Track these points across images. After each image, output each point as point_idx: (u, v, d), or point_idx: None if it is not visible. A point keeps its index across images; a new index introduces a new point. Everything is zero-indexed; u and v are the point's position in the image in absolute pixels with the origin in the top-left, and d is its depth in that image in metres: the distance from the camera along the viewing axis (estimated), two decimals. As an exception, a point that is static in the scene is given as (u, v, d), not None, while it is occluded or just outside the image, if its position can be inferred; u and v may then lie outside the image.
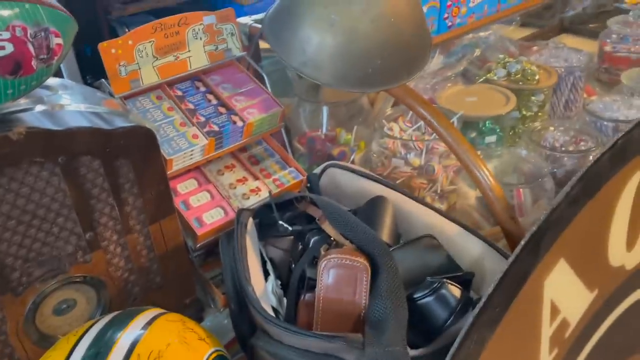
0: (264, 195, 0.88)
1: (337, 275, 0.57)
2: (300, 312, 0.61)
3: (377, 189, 0.73)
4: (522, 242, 0.42)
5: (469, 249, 0.64)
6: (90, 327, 0.55)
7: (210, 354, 0.55)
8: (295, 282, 0.62)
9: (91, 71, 1.67)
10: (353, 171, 0.78)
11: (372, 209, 0.68)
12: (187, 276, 0.81)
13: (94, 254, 0.68)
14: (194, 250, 0.84)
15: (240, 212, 0.70)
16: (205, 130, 0.83)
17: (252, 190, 0.87)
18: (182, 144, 0.80)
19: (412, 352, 0.55)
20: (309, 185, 0.81)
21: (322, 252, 0.61)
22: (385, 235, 0.65)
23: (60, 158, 0.61)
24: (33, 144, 0.59)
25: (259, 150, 0.95)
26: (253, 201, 0.86)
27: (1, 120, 0.59)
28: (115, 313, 0.59)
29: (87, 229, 0.67)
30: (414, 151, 0.88)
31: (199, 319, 0.84)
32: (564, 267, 0.48)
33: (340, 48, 0.69)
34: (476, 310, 0.51)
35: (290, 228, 0.67)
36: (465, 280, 0.58)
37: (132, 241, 0.72)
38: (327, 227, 0.63)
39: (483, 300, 0.51)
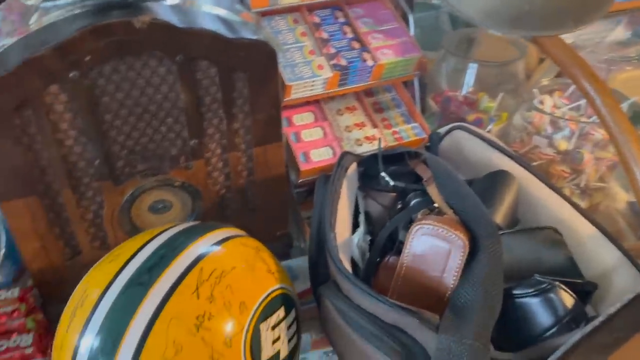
0: (376, 145, 0.81)
1: (429, 245, 0.50)
2: (379, 273, 0.55)
3: (506, 164, 0.63)
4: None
5: (600, 256, 0.52)
6: (168, 228, 0.54)
7: (275, 290, 0.51)
8: (382, 240, 0.56)
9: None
10: (483, 139, 0.68)
11: (491, 183, 0.59)
12: (283, 209, 0.78)
13: (196, 162, 0.68)
14: (296, 186, 0.82)
15: (344, 154, 0.64)
16: (332, 62, 0.77)
17: (367, 138, 0.81)
18: (305, 73, 0.76)
19: (497, 355, 0.47)
20: (428, 144, 0.72)
21: (419, 216, 0.53)
22: (499, 215, 0.56)
23: (178, 56, 0.60)
24: (155, 36, 0.58)
25: (386, 98, 0.88)
26: (365, 149, 0.80)
27: (131, 5, 0.58)
28: (196, 222, 0.58)
29: (193, 136, 0.66)
30: (562, 132, 0.75)
31: (285, 254, 0.82)
32: None
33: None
34: (588, 328, 0.41)
35: (392, 183, 0.61)
36: (584, 291, 0.48)
37: (234, 159, 0.70)
38: (433, 191, 0.56)
39: (601, 319, 0.41)
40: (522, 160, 0.63)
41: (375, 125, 0.83)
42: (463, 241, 0.48)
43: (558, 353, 0.41)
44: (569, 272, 0.49)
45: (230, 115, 0.67)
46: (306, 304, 0.66)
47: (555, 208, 0.57)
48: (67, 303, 0.49)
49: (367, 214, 0.67)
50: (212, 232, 0.53)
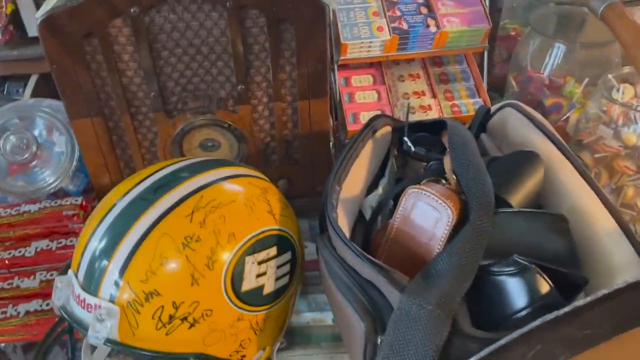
0: (432, 115, 0.79)
1: (420, 210, 0.49)
2: (376, 234, 0.55)
3: (542, 146, 0.58)
4: None
5: (613, 252, 0.47)
6: (188, 159, 0.58)
7: (271, 230, 0.54)
8: (384, 202, 0.56)
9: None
10: (531, 118, 0.63)
11: (515, 162, 0.55)
12: (326, 164, 0.80)
13: (242, 107, 0.72)
14: (343, 145, 0.83)
15: (376, 117, 0.64)
16: (393, 25, 0.76)
17: (422, 107, 0.80)
18: (364, 33, 0.76)
19: (472, 331, 0.45)
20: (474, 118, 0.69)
21: (422, 183, 0.52)
22: (516, 196, 0.53)
23: (228, 3, 0.64)
24: (207, -19, 0.62)
25: (455, 70, 0.85)
26: (417, 117, 0.79)
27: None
28: (217, 158, 0.62)
29: (240, 81, 0.70)
30: (635, 125, 0.67)
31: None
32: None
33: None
34: (551, 316, 0.39)
35: (413, 149, 0.60)
36: (574, 284, 0.44)
37: (279, 110, 0.73)
38: (446, 160, 0.54)
39: (566, 309, 0.38)
40: (562, 145, 0.58)
41: (434, 96, 0.81)
42: (451, 210, 0.47)
43: (515, 334, 0.39)
44: (566, 262, 0.46)
45: (277, 66, 0.69)
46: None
47: (579, 197, 0.52)
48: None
49: (399, 181, 0.67)
50: (224, 168, 0.57)
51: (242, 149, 0.76)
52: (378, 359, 0.45)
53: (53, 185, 0.78)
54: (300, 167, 0.79)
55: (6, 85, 1.61)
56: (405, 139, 0.61)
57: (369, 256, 0.47)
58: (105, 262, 0.49)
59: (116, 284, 0.48)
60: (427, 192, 0.48)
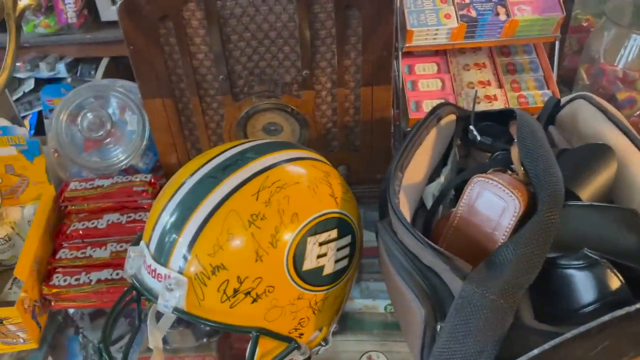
0: (497, 105, 0.78)
1: (485, 199, 0.49)
2: (438, 222, 0.55)
3: (616, 140, 0.56)
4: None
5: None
6: (254, 141, 0.60)
7: (332, 212, 0.55)
8: (447, 191, 0.55)
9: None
10: (604, 111, 0.61)
11: (587, 155, 0.54)
12: (386, 152, 0.80)
13: (306, 92, 0.73)
14: (404, 134, 0.83)
15: (441, 104, 0.64)
16: (461, 13, 0.75)
17: (487, 97, 0.78)
18: (431, 20, 0.75)
19: (534, 324, 0.45)
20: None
21: (488, 172, 0.52)
22: (586, 189, 0.51)
23: (297, -12, 0.64)
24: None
25: (524, 60, 0.83)
26: (482, 108, 0.77)
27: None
28: (282, 141, 0.63)
29: (305, 67, 0.71)
30: None
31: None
32: None
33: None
34: (621, 312, 0.38)
35: (479, 138, 0.59)
36: (646, 282, 0.43)
37: (342, 95, 0.74)
38: (514, 151, 0.53)
39: (638, 306, 0.37)
40: (636, 139, 0.56)
41: (501, 86, 0.79)
42: (519, 201, 0.46)
43: (582, 328, 0.39)
44: (637, 258, 0.44)
45: (342, 52, 0.70)
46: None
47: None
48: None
49: (461, 171, 0.66)
50: (289, 150, 0.58)
51: (304, 134, 0.77)
52: (437, 346, 0.46)
53: (124, 162, 0.82)
54: (360, 154, 0.79)
55: (79, 67, 1.70)
56: (471, 127, 0.60)
57: (431, 243, 0.47)
58: (175, 235, 0.51)
59: (185, 256, 0.50)
60: (495, 181, 0.48)
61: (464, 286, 0.44)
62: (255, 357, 0.52)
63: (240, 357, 0.63)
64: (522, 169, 0.50)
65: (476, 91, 0.71)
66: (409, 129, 0.80)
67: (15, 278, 0.73)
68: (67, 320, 0.71)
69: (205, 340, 0.69)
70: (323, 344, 0.60)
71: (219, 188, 0.52)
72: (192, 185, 0.54)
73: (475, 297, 0.43)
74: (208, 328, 0.69)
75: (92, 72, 1.64)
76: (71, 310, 0.72)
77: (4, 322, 0.63)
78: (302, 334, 0.55)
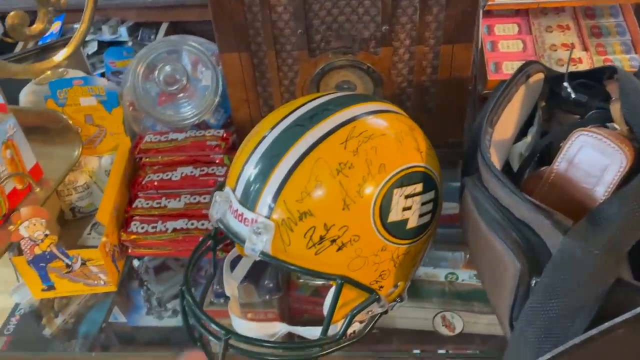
0: (581, 68, 0.75)
1: (587, 154, 0.47)
2: (527, 180, 0.53)
3: None
4: None
5: None
6: (337, 92, 0.59)
7: (418, 166, 0.54)
8: (540, 147, 0.53)
9: None
10: None
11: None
12: (460, 115, 0.78)
13: (384, 49, 0.72)
14: (479, 97, 0.80)
15: (531, 62, 0.61)
16: (550, -31, 0.72)
17: (571, 60, 0.75)
18: (517, -23, 0.72)
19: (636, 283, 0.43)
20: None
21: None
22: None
23: (385, -62, 0.63)
24: None
25: (609, 23, 0.79)
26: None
27: None
28: (365, 94, 0.62)
29: (385, 22, 0.69)
30: None
31: (453, 163, 0.82)
32: None
33: None
34: None
35: (573, 95, 0.57)
36: None
37: (420, 54, 0.72)
38: (615, 108, 0.51)
39: None
40: None
41: (586, 49, 0.76)
42: (625, 155, 0.44)
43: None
44: None
45: (425, 6, 0.68)
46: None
47: None
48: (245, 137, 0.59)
49: (545, 134, 0.64)
50: (374, 102, 0.57)
51: (377, 94, 0.76)
52: (530, 301, 0.44)
53: (197, 117, 0.83)
54: (434, 116, 0.78)
55: (140, 31, 1.72)
56: (566, 84, 0.58)
57: (529, 197, 0.46)
58: (262, 181, 0.51)
59: (273, 201, 0.51)
60: (600, 135, 0.46)
61: (566, 241, 0.42)
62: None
63: (298, 316, 0.65)
64: (625, 125, 0.48)
65: (572, 49, 0.68)
66: (486, 91, 0.78)
67: (94, 224, 0.76)
68: (132, 272, 0.73)
69: (267, 297, 0.70)
70: (398, 300, 0.60)
71: (307, 136, 0.52)
72: (278, 133, 0.53)
73: (577, 252, 0.42)
74: (272, 284, 0.70)
75: (152, 37, 1.66)
76: (136, 263, 0.74)
77: (87, 263, 0.65)
78: (381, 287, 0.55)
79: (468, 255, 0.73)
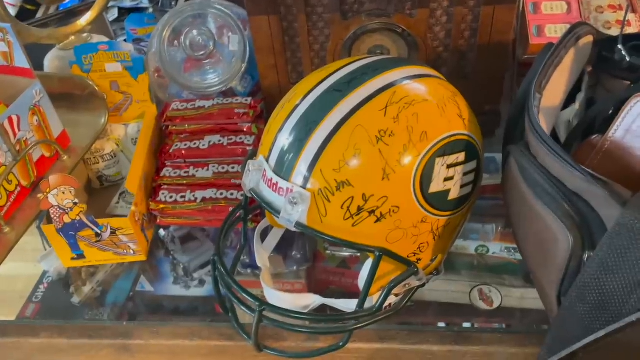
0: (629, 32, 0.70)
1: (647, 121, 0.44)
2: (579, 149, 0.50)
3: None
4: None
5: None
6: (374, 56, 0.56)
7: (461, 134, 0.51)
8: (593, 114, 0.50)
9: None
10: None
11: None
12: (498, 81, 0.74)
13: (420, 10, 0.68)
14: (520, 63, 0.76)
15: (580, 23, 0.58)
16: None
17: (618, 22, 0.71)
18: None
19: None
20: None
21: (647, 93, 0.46)
22: None
23: None
24: None
25: (662, -18, 0.74)
26: (612, 33, 0.70)
27: None
28: (404, 58, 0.59)
29: (423, -18, 0.66)
30: None
31: (490, 132, 0.79)
32: None
33: None
34: None
35: (628, 58, 0.53)
36: None
37: (459, 16, 0.68)
38: (677, 71, 0.47)
39: None
40: None
41: (635, 11, 0.71)
42: (693, 122, 0.41)
43: None
44: None
45: (465, -35, 0.64)
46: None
47: None
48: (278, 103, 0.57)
49: (590, 101, 0.61)
50: (414, 67, 0.54)
51: (412, 58, 0.73)
52: (582, 276, 0.42)
53: (224, 84, 0.80)
54: (471, 83, 0.74)
55: (161, -2, 1.68)
56: (620, 46, 0.54)
57: (585, 168, 0.43)
58: (299, 148, 0.49)
59: (309, 170, 0.49)
60: (663, 100, 0.42)
61: (624, 212, 0.40)
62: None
63: (323, 287, 0.63)
64: (691, 90, 0.44)
65: (628, 7, 0.64)
66: (526, 56, 0.74)
67: (122, 193, 0.75)
68: (158, 242, 0.72)
69: (295, 267, 0.68)
70: (435, 273, 0.58)
71: (344, 102, 0.49)
72: (314, 100, 0.51)
73: (637, 226, 0.39)
74: (300, 255, 0.69)
75: (173, 3, 1.63)
76: (162, 233, 0.73)
77: (117, 232, 0.64)
78: (419, 259, 0.53)
79: (500, 228, 0.70)
